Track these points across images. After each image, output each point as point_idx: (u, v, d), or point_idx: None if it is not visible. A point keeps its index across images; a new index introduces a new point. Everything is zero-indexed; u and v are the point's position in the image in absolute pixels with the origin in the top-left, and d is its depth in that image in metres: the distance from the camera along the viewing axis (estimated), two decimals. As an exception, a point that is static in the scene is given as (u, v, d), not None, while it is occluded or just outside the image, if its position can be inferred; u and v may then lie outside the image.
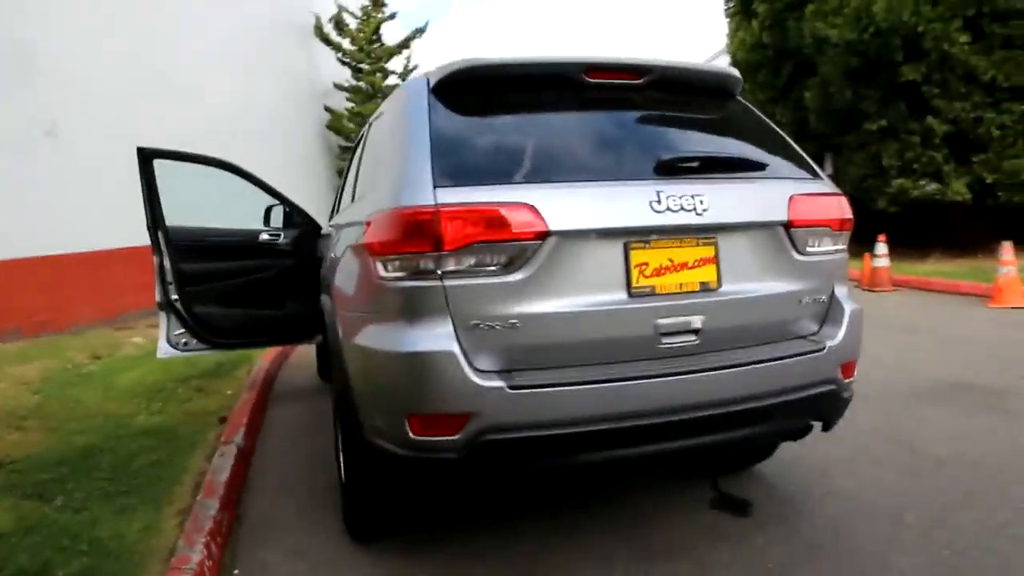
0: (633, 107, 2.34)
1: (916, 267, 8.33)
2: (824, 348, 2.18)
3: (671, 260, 2.01)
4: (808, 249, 2.21)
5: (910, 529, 2.44)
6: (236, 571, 2.44)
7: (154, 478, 3.16)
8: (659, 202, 1.96)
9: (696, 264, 2.04)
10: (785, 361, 2.10)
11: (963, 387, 4.12)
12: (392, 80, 15.38)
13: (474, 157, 2.05)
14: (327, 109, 14.51)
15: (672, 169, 2.07)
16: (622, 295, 1.98)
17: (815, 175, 2.35)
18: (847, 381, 2.28)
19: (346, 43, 14.70)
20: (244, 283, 4.43)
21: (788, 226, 2.15)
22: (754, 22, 12.46)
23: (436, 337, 1.85)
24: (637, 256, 1.98)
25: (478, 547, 2.48)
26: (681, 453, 2.16)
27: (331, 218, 4.44)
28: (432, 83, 2.21)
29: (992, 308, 6.41)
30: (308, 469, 3.45)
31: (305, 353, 6.04)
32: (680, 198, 1.98)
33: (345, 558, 2.47)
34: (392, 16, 15.20)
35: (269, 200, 4.65)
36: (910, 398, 3.95)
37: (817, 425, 2.39)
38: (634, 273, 1.98)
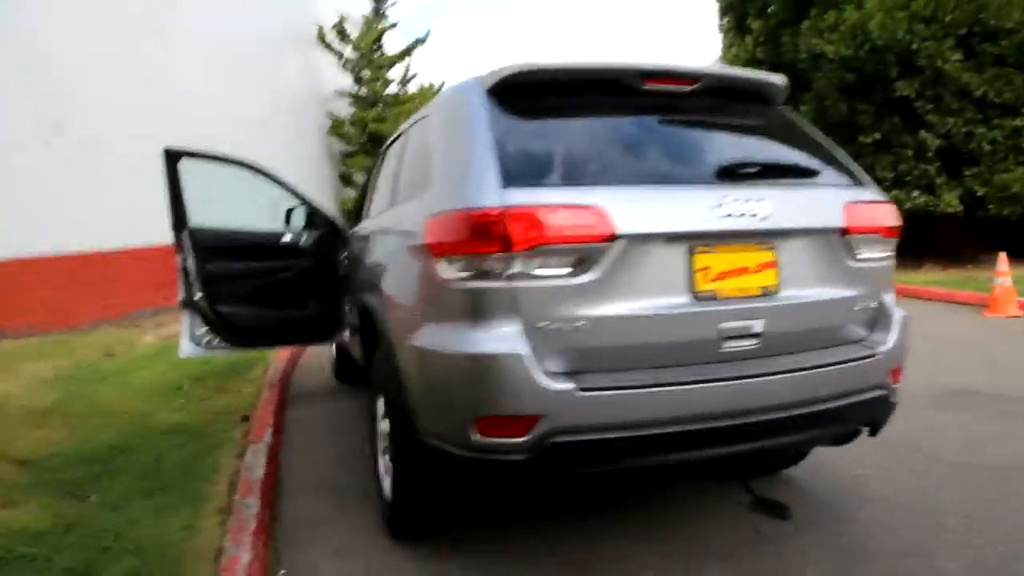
0: (686, 113, 2.31)
1: (912, 276, 8.40)
2: (877, 354, 2.16)
3: (733, 264, 1.99)
4: (861, 255, 2.19)
5: (952, 532, 2.42)
6: (283, 571, 2.37)
7: (187, 476, 3.08)
8: (722, 207, 1.93)
9: (757, 269, 2.01)
10: (841, 366, 2.08)
11: (973, 393, 4.12)
12: (393, 88, 15.32)
13: (537, 159, 2.01)
14: (329, 115, 14.42)
15: (732, 174, 2.04)
16: (685, 298, 1.94)
17: (863, 182, 2.33)
18: (895, 386, 2.26)
19: (348, 51, 14.62)
20: (267, 283, 4.35)
21: (844, 232, 2.13)
22: (748, 38, 12.53)
23: (505, 338, 1.81)
24: (700, 260, 1.95)
25: (526, 547, 2.43)
26: (739, 457, 2.13)
27: (359, 220, 4.37)
28: (487, 86, 2.17)
29: (988, 317, 6.46)
30: (337, 468, 3.38)
31: (315, 355, 5.97)
32: (743, 203, 1.95)
33: (390, 559, 2.41)
34: (393, 26, 15.15)
35: (289, 202, 4.58)
36: (924, 404, 3.95)
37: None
38: (697, 277, 1.95)
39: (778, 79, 2.44)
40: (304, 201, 4.56)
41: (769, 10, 11.82)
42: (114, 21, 8.69)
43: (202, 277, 4.08)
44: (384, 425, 2.54)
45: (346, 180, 14.98)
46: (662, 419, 1.87)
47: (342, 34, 14.39)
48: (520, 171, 1.91)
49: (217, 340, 4.25)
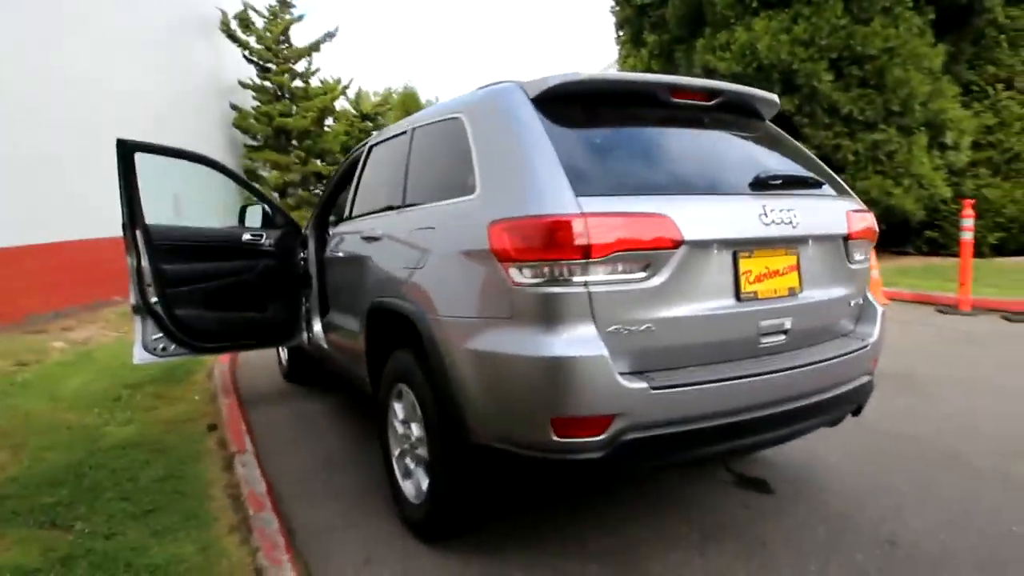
0: (707, 126, 2.39)
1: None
2: (868, 345, 2.36)
3: (767, 268, 2.09)
4: (855, 258, 2.38)
5: (907, 495, 2.70)
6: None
7: (174, 494, 2.80)
8: (765, 215, 2.03)
9: (784, 271, 2.14)
10: (845, 357, 2.25)
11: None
12: (299, 82, 14.55)
13: (595, 168, 2.00)
14: (233, 107, 13.44)
15: (765, 184, 2.15)
16: (732, 300, 2.03)
17: (848, 192, 2.53)
18: (874, 372, 2.48)
19: (252, 41, 13.70)
20: (227, 285, 4.01)
21: (847, 238, 2.31)
22: (643, 51, 13.11)
23: (584, 341, 1.80)
24: (743, 264, 2.04)
25: (558, 539, 2.43)
26: (773, 443, 2.24)
27: (326, 219, 4.12)
28: (533, 94, 2.13)
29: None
30: (325, 473, 3.19)
31: (251, 357, 5.58)
32: (780, 212, 2.06)
33: (428, 562, 2.32)
34: (300, 18, 14.36)
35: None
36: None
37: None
38: (742, 280, 2.04)
39: (775, 97, 2.59)
40: (263, 199, 4.24)
41: (663, 27, 12.42)
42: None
43: (158, 279, 3.70)
44: (414, 429, 2.44)
45: (251, 175, 14.06)
46: (718, 412, 1.94)
47: (245, 24, 13.45)
48: (587, 180, 1.90)
49: (173, 346, 3.86)
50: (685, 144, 2.29)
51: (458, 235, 2.12)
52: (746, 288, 2.04)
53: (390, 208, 2.82)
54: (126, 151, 3.56)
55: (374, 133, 3.52)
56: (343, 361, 3.47)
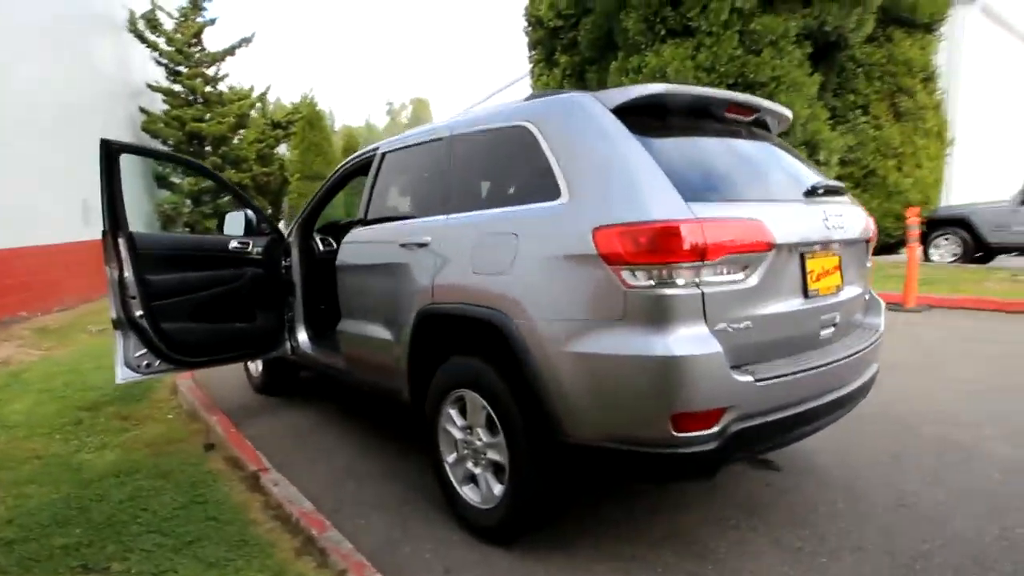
0: (746, 138, 2.47)
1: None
2: (880, 333, 2.55)
3: (824, 267, 2.21)
4: (868, 258, 2.56)
5: (887, 463, 2.94)
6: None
7: (208, 521, 2.48)
8: (827, 220, 2.14)
9: (832, 271, 2.26)
10: (873, 346, 2.42)
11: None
12: (211, 87, 13.42)
13: (688, 175, 2.00)
14: (142, 110, 12.17)
15: (815, 192, 2.26)
16: (801, 297, 2.11)
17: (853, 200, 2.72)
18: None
19: (162, 43, 12.48)
20: (215, 295, 3.61)
21: (868, 240, 2.48)
22: (556, 70, 13.40)
23: (700, 339, 1.80)
24: (808, 264, 2.13)
25: (623, 532, 2.41)
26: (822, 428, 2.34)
27: (357, 226, 3.73)
28: (612, 104, 2.11)
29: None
30: (354, 485, 2.96)
31: (213, 369, 5.05)
32: (836, 217, 2.18)
33: (505, 567, 2.22)
34: (212, 21, 13.27)
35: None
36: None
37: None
38: (808, 279, 2.13)
39: (790, 113, 2.73)
40: (248, 205, 3.87)
41: (575, 49, 12.76)
42: None
43: (143, 291, 3.26)
44: (482, 434, 2.32)
45: (162, 180, 12.79)
46: (800, 400, 2.01)
47: (153, 24, 12.22)
48: (688, 186, 1.91)
49: (158, 362, 3.42)
50: (744, 154, 2.36)
51: (551, 240, 2.04)
52: (812, 286, 2.14)
53: (432, 214, 2.66)
54: (110, 152, 3.11)
55: (386, 140, 3.28)
56: (358, 371, 3.23)
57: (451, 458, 2.53)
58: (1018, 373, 4.34)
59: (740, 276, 1.90)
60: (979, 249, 9.71)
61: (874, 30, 10.70)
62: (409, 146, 3.03)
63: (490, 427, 2.31)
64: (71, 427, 3.76)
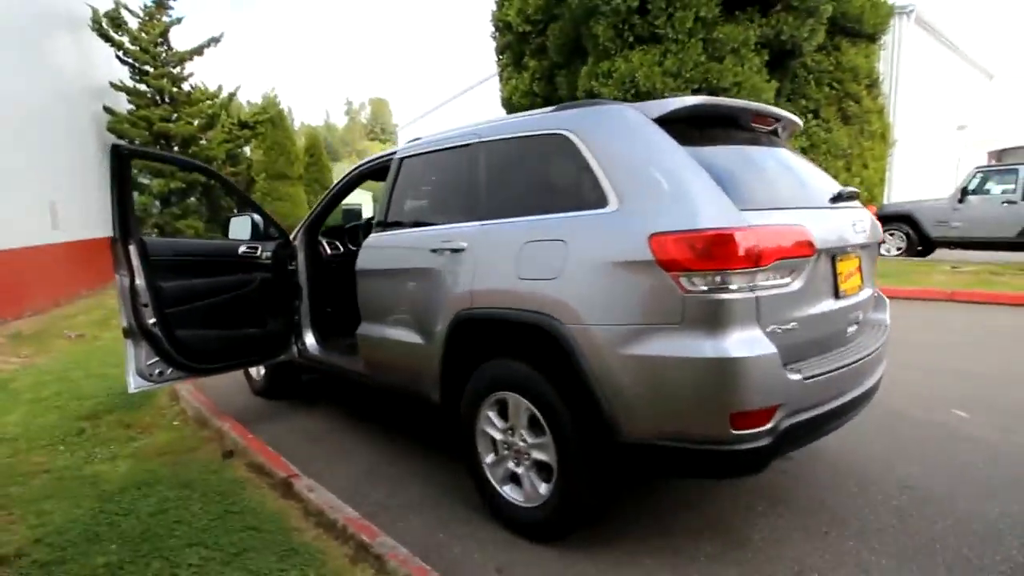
0: (771, 146, 2.51)
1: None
2: (887, 328, 2.64)
3: (848, 270, 2.27)
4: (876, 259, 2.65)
5: (886, 447, 3.07)
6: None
7: (248, 531, 2.37)
8: (856, 225, 2.20)
9: (855, 272, 2.33)
10: (884, 341, 2.51)
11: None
12: (184, 86, 12.83)
13: (735, 183, 2.01)
14: (107, 110, 11.52)
15: (840, 198, 2.32)
16: (833, 298, 2.17)
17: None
18: None
19: (127, 42, 11.84)
20: (227, 301, 3.46)
21: (880, 242, 2.57)
22: (525, 73, 13.37)
23: (756, 341, 1.83)
24: (839, 267, 2.19)
25: (663, 527, 2.43)
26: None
27: (377, 229, 3.56)
28: (655, 115, 2.12)
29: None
30: (384, 487, 2.88)
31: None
32: (861, 222, 2.25)
33: (556, 565, 2.21)
34: (178, 21, 12.65)
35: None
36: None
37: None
38: (839, 280, 2.18)
39: (800, 122, 2.79)
40: (256, 209, 3.73)
41: (544, 53, 12.76)
42: None
43: (155, 299, 3.10)
44: (526, 435, 2.31)
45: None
46: (836, 394, 2.07)
47: (117, 23, 11.58)
48: (734, 194, 1.92)
49: (170, 370, 3.26)
50: (773, 162, 2.40)
51: (602, 246, 2.02)
52: (841, 287, 2.20)
53: (463, 220, 2.61)
54: (121, 157, 2.93)
55: (403, 143, 3.21)
56: (380, 374, 3.15)
57: (489, 458, 2.50)
58: (973, 358, 4.60)
59: (788, 280, 1.93)
60: (922, 243, 10.21)
61: (824, 40, 11.09)
62: (430, 152, 2.97)
63: (533, 428, 2.30)
64: (74, 437, 3.55)
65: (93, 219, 10.37)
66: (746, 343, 1.81)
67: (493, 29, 14.50)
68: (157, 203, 12.37)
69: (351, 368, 3.40)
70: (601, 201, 2.09)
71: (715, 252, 1.80)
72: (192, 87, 13.33)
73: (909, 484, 2.71)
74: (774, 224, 1.90)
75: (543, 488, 2.28)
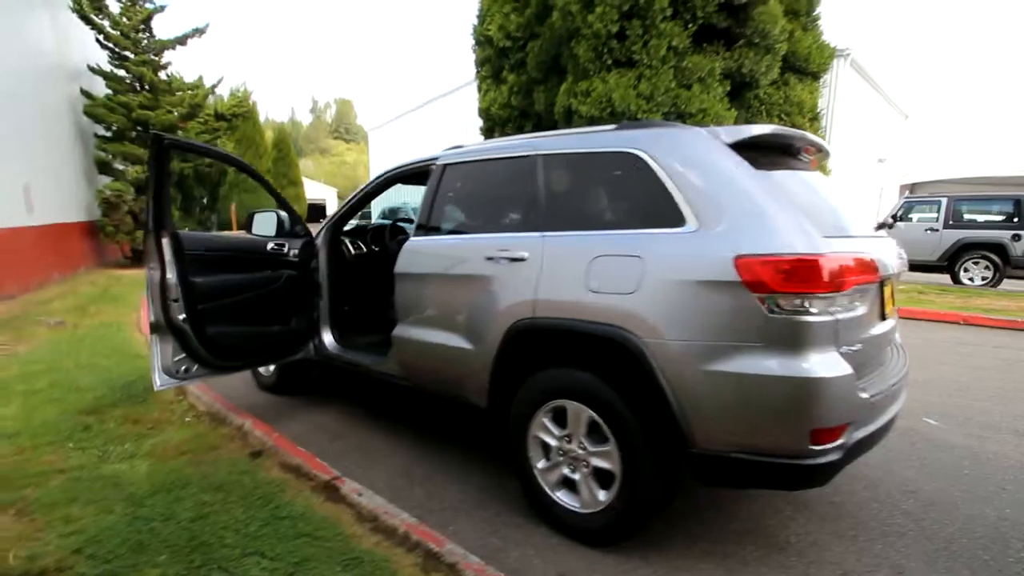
0: (815, 174, 2.51)
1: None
2: (905, 352, 2.70)
3: (887, 294, 2.29)
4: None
5: (880, 454, 3.15)
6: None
7: (303, 538, 2.18)
8: (902, 253, 2.23)
9: (892, 296, 2.36)
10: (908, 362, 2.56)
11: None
12: (160, 75, 12.02)
13: (809, 209, 1.99)
14: (84, 93, 10.65)
15: (882, 226, 2.34)
16: (879, 320, 2.18)
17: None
18: None
19: (107, 26, 10.98)
20: (255, 297, 3.21)
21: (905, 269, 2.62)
22: (503, 87, 13.26)
23: (835, 362, 1.81)
24: (884, 292, 2.21)
25: (709, 531, 2.40)
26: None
27: (419, 232, 3.29)
28: (729, 140, 2.08)
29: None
30: (423, 490, 2.72)
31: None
32: (899, 250, 2.28)
33: (615, 569, 2.13)
34: (161, 8, 11.84)
35: None
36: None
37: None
38: (885, 304, 2.20)
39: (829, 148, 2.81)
40: (284, 206, 3.48)
41: (523, 68, 12.68)
42: None
43: (187, 294, 2.84)
44: (585, 442, 2.22)
45: (104, 167, 11.30)
46: (885, 411, 2.08)
47: (98, 7, 10.72)
48: (812, 220, 1.90)
49: (196, 367, 3.00)
50: (825, 189, 2.39)
51: (681, 264, 1.95)
52: (886, 310, 2.22)
53: (521, 230, 2.49)
54: (161, 148, 2.66)
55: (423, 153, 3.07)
56: (417, 377, 2.98)
57: (541, 464, 2.40)
58: (918, 369, 4.83)
59: (858, 304, 1.93)
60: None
61: (777, 76, 11.51)
62: (478, 160, 2.83)
63: (592, 436, 2.22)
64: (81, 434, 3.20)
65: (67, 202, 9.56)
66: (828, 363, 1.79)
67: (474, 42, 14.32)
68: (133, 190, 11.54)
69: (376, 367, 3.22)
70: (677, 220, 2.03)
71: (801, 276, 1.77)
72: (168, 76, 12.53)
73: (910, 488, 2.79)
74: (851, 251, 1.89)
75: (602, 495, 2.20)
